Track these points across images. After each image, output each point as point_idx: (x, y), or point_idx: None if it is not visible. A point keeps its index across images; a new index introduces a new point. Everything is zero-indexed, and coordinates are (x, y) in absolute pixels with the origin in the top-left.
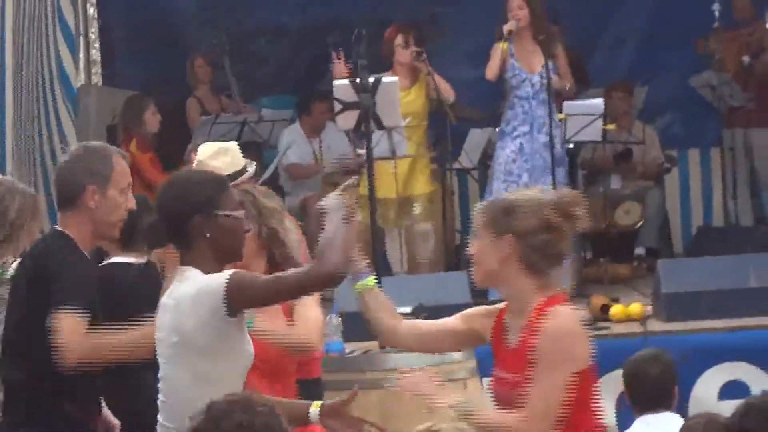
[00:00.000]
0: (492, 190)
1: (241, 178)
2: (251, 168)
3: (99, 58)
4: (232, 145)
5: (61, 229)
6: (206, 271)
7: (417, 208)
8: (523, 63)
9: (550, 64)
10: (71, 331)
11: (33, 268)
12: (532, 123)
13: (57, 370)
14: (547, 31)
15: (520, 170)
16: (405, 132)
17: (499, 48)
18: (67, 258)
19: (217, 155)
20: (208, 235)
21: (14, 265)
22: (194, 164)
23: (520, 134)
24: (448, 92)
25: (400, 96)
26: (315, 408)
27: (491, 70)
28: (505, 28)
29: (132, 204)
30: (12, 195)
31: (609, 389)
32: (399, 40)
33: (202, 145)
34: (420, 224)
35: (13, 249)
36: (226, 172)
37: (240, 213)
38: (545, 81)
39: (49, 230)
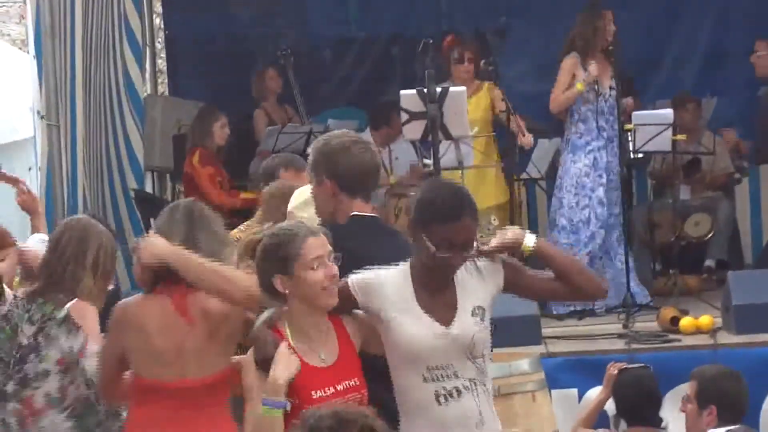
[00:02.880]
0: (563, 202)
1: None
2: None
3: (165, 68)
4: None
5: None
6: None
7: (494, 220)
8: (597, 78)
9: (614, 81)
10: None
11: None
12: (607, 137)
13: None
14: (619, 50)
15: (594, 184)
16: (478, 140)
17: (576, 89)
18: None
19: (306, 206)
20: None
21: (69, 305)
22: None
23: (594, 149)
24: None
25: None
26: None
27: (557, 106)
28: (593, 72)
29: None
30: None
31: (679, 401)
32: (455, 53)
33: (296, 191)
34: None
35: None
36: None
37: None
38: (614, 96)
39: None
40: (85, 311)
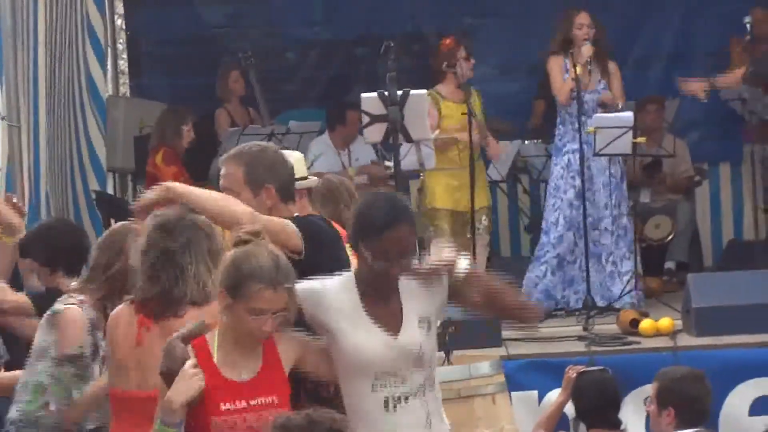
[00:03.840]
0: (545, 206)
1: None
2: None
3: (127, 69)
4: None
5: None
6: None
7: (485, 220)
8: (579, 81)
9: (604, 83)
10: None
11: None
12: (582, 140)
13: None
14: (606, 50)
15: (566, 186)
16: (458, 146)
17: (574, 71)
18: None
19: None
20: None
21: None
22: None
23: (569, 150)
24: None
25: (456, 109)
26: None
27: (565, 96)
28: (585, 52)
29: None
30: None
31: (639, 403)
32: (462, 52)
33: None
34: (483, 237)
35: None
36: None
37: None
38: (598, 98)
39: None
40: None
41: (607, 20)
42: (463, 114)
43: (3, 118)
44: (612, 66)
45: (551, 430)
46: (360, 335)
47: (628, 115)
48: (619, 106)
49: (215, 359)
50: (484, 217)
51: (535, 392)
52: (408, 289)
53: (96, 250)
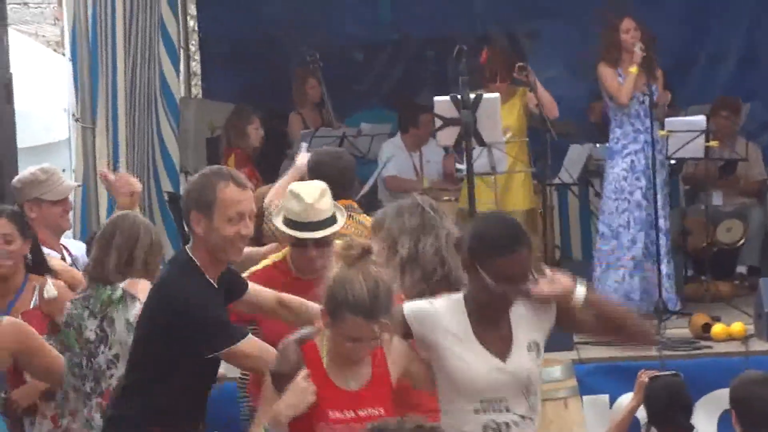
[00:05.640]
0: (603, 209)
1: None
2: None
3: (199, 71)
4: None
5: (189, 253)
6: None
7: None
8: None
9: (654, 87)
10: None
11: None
12: (644, 140)
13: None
14: (652, 53)
15: (632, 188)
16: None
17: (632, 73)
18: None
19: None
20: None
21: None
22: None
23: (631, 152)
24: (551, 109)
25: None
26: None
27: (626, 96)
28: (638, 55)
29: (249, 231)
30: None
31: (711, 408)
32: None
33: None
34: None
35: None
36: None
37: None
38: (647, 100)
39: (178, 254)
40: (137, 284)
41: (673, 24)
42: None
43: (77, 120)
44: (659, 71)
45: None
46: (469, 359)
47: (701, 118)
48: (665, 110)
49: (324, 365)
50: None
51: (607, 396)
52: (517, 313)
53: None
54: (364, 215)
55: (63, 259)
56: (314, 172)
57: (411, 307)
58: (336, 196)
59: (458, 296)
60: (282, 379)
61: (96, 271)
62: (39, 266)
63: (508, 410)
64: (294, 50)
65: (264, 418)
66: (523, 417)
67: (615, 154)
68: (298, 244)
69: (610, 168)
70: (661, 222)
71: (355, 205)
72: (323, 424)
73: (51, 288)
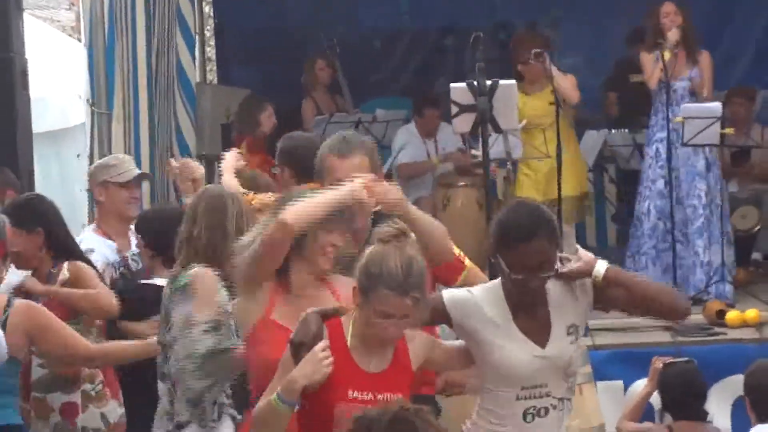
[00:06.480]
0: (637, 197)
1: None
2: None
3: (214, 57)
4: None
5: None
6: None
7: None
8: (667, 69)
9: (695, 71)
10: None
11: None
12: (669, 129)
13: None
14: (694, 37)
15: (655, 176)
16: (533, 133)
17: (663, 56)
18: None
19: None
20: None
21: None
22: None
23: (658, 140)
24: (570, 96)
25: (524, 100)
26: None
27: (654, 80)
28: (672, 37)
29: None
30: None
31: (725, 394)
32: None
33: None
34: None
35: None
36: None
37: None
38: (689, 87)
39: None
40: (204, 277)
41: (695, 11)
42: (551, 104)
43: (93, 105)
44: (703, 54)
45: (637, 420)
46: (510, 347)
47: (717, 105)
48: (704, 95)
49: (348, 344)
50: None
51: (621, 382)
52: (555, 298)
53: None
54: None
55: (119, 250)
56: (287, 156)
57: (451, 294)
58: (306, 179)
59: (496, 284)
60: (300, 349)
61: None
62: (65, 253)
63: (548, 395)
64: (312, 38)
65: (278, 385)
66: (561, 399)
67: (648, 140)
68: None
69: (646, 155)
70: (690, 212)
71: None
72: (342, 403)
73: (65, 272)
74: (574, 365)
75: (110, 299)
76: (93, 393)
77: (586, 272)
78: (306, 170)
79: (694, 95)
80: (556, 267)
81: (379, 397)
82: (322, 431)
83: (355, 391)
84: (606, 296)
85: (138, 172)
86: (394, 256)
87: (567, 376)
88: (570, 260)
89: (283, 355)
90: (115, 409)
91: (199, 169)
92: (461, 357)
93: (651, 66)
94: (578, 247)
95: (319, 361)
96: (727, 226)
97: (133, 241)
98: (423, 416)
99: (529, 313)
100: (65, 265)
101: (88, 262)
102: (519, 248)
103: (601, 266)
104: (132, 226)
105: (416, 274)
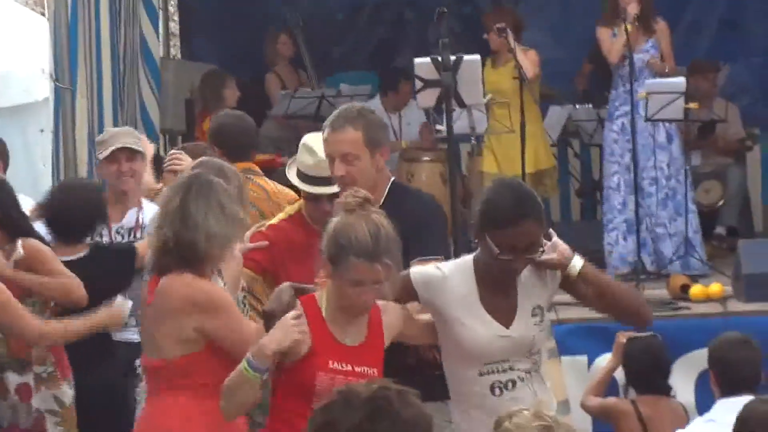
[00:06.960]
0: (603, 172)
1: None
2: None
3: (178, 32)
4: None
5: None
6: None
7: (548, 182)
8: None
9: (652, 42)
10: None
11: None
12: (633, 102)
13: None
14: (650, 8)
15: (622, 150)
16: (498, 109)
17: (624, 30)
18: None
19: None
20: None
21: None
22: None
23: (622, 114)
24: (528, 69)
25: (489, 74)
26: None
27: (615, 55)
28: (631, 11)
29: None
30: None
31: (689, 369)
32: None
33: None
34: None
35: None
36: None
37: None
38: (647, 60)
39: None
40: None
41: None
42: (514, 78)
43: (56, 80)
44: (660, 24)
45: (601, 395)
46: (474, 325)
47: (680, 80)
48: (666, 70)
49: (324, 317)
50: (546, 179)
51: (585, 357)
52: (524, 280)
53: None
54: (264, 179)
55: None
56: (216, 133)
57: (418, 272)
58: (236, 158)
59: (467, 261)
60: (273, 319)
61: None
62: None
63: (511, 369)
64: (275, 11)
65: (250, 351)
66: (528, 371)
67: (610, 116)
68: (312, 198)
69: (607, 130)
70: (647, 183)
71: (256, 168)
72: (323, 373)
73: (19, 249)
74: (537, 344)
75: (81, 289)
76: (44, 375)
77: (563, 266)
78: (235, 148)
79: (652, 70)
80: (541, 248)
81: (357, 369)
82: (303, 403)
83: (335, 363)
84: (574, 289)
85: (118, 145)
86: (361, 224)
87: (531, 354)
88: (547, 241)
89: (256, 329)
90: (66, 392)
91: (180, 164)
92: (434, 331)
93: (609, 41)
94: (553, 234)
95: (289, 327)
96: (690, 198)
97: (131, 215)
98: (405, 398)
99: (498, 293)
100: (19, 242)
101: (44, 242)
102: (509, 230)
103: (578, 262)
104: (143, 198)
105: (384, 239)
